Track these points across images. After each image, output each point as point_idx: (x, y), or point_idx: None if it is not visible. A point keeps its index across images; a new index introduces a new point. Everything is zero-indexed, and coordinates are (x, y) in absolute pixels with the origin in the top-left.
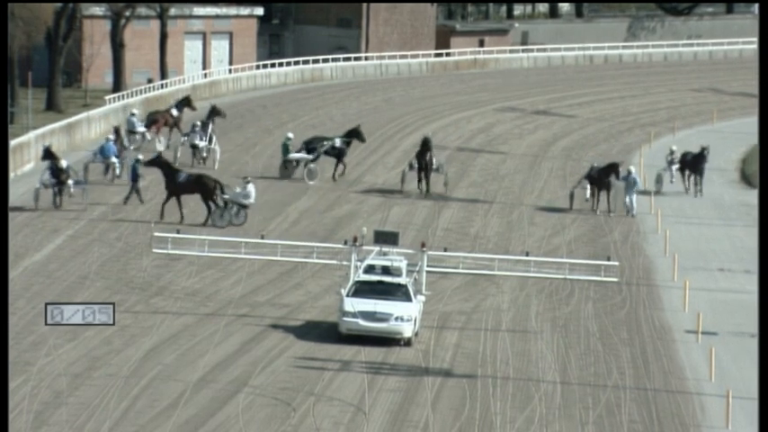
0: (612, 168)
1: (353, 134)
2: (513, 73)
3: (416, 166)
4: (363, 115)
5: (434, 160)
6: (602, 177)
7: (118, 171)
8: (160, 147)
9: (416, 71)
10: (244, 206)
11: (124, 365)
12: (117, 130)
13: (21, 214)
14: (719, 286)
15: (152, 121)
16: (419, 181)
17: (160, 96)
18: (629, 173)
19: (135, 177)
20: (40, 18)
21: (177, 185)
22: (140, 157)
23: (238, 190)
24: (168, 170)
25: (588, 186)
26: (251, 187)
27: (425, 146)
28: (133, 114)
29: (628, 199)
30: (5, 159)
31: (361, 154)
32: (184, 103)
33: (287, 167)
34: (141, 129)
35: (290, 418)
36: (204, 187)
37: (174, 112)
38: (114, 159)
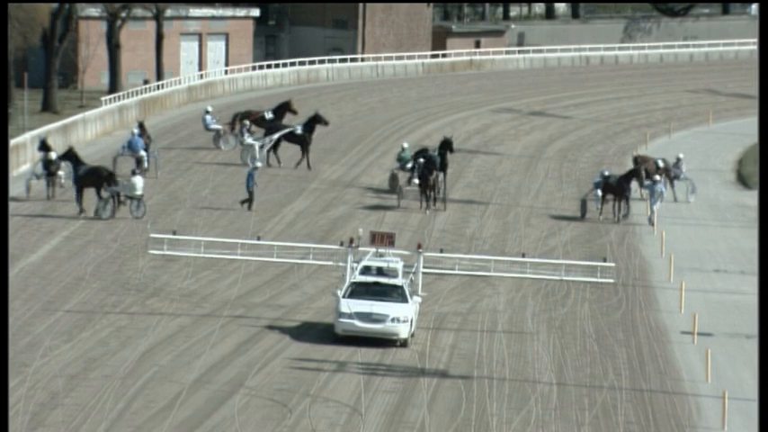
0: (634, 174)
1: (444, 146)
2: (509, 74)
3: (418, 182)
4: (359, 116)
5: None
6: (622, 184)
7: (146, 164)
8: (227, 147)
9: (412, 72)
10: (132, 198)
11: (120, 366)
12: (141, 125)
13: (17, 215)
14: (715, 287)
15: (235, 119)
16: (423, 200)
17: (156, 98)
18: (656, 182)
19: (251, 183)
20: (35, 19)
21: (78, 178)
22: (258, 164)
23: (126, 182)
24: (75, 163)
25: (599, 194)
26: (135, 179)
27: (431, 164)
28: (208, 112)
29: (652, 207)
30: (5, 160)
31: (357, 155)
32: (285, 107)
33: (394, 180)
34: (215, 126)
35: (287, 420)
36: (98, 179)
37: (269, 115)
38: (143, 153)
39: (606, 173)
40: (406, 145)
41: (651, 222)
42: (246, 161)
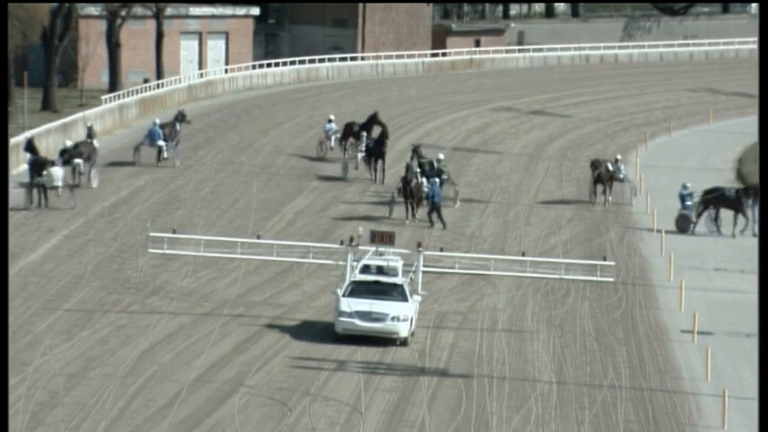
0: (753, 189)
1: (414, 152)
2: (508, 73)
3: (402, 191)
4: (359, 115)
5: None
6: (740, 199)
7: (166, 154)
8: (321, 154)
9: (412, 71)
10: (52, 188)
11: (120, 365)
12: (181, 114)
13: (17, 213)
14: (715, 286)
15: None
16: (406, 209)
17: (156, 96)
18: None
19: (434, 200)
20: (35, 18)
21: (29, 170)
22: (443, 179)
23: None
24: (33, 155)
25: (689, 204)
26: (53, 170)
27: (408, 172)
28: (330, 121)
29: (752, 215)
30: (5, 159)
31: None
32: (373, 119)
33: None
34: (334, 135)
35: (286, 419)
36: (35, 170)
37: (355, 128)
38: (162, 143)
39: (689, 184)
40: (441, 156)
41: (754, 233)
42: (343, 174)
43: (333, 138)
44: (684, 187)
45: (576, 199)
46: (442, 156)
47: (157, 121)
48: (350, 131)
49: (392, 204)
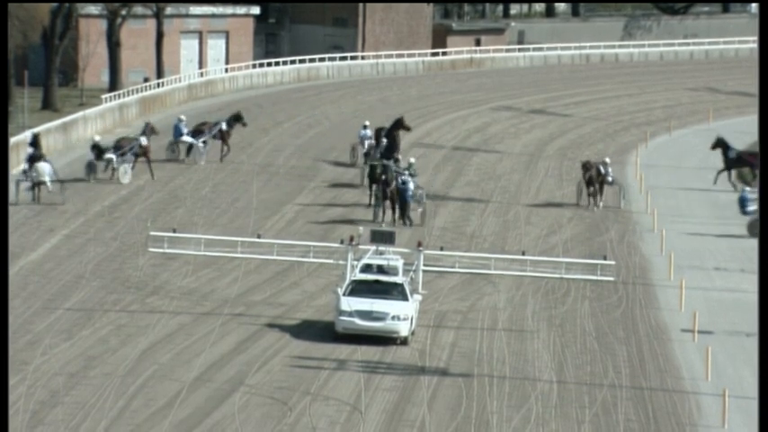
0: None
1: (368, 154)
2: (509, 72)
3: (380, 194)
4: (359, 114)
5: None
6: None
7: (201, 150)
8: (353, 159)
9: (412, 70)
10: (41, 183)
11: (120, 365)
12: (234, 117)
13: (17, 213)
14: (715, 285)
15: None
16: (383, 211)
17: (156, 96)
18: None
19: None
20: (36, 17)
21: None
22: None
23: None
24: (34, 150)
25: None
26: (39, 165)
27: (383, 171)
28: (365, 127)
29: None
30: (5, 158)
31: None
32: (398, 124)
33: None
34: (368, 140)
35: (287, 418)
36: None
37: (382, 134)
38: (188, 139)
39: (747, 188)
40: (412, 160)
41: None
42: (360, 180)
43: (366, 143)
44: (745, 191)
45: (577, 199)
46: (412, 160)
47: (183, 117)
48: (378, 137)
49: (377, 208)
